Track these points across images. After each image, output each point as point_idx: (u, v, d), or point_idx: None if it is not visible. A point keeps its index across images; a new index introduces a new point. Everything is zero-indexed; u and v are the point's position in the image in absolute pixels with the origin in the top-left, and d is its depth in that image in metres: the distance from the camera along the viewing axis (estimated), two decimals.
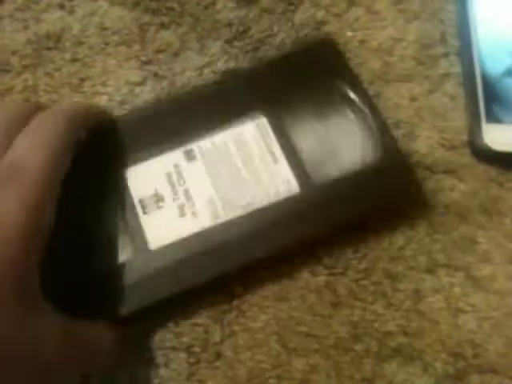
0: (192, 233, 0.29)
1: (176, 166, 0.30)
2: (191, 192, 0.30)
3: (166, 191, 0.30)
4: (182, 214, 0.29)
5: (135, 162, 0.30)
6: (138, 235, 0.29)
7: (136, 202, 0.29)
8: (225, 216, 0.29)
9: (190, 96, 0.32)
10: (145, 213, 0.29)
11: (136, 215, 0.29)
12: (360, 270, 0.30)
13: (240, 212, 0.29)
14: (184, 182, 0.30)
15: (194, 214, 0.29)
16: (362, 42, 0.35)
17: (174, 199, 0.30)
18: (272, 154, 0.30)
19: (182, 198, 0.30)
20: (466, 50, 0.35)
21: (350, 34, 0.35)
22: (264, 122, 0.31)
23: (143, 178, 0.30)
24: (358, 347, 0.29)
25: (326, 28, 0.35)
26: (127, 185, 0.30)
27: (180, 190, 0.30)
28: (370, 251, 0.31)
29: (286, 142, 0.30)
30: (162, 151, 0.30)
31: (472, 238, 0.31)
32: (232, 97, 0.32)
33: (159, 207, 0.29)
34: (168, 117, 0.31)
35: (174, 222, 0.29)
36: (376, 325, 0.30)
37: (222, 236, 0.29)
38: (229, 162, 0.30)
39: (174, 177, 0.30)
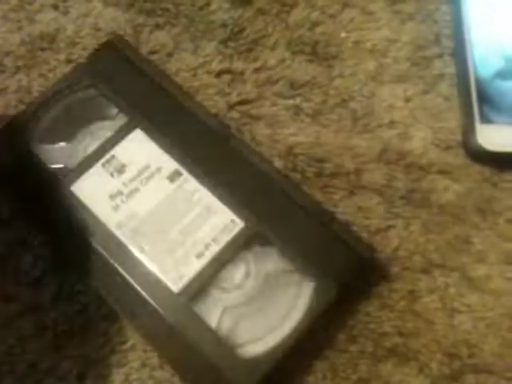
0: None
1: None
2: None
3: None
4: None
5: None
6: None
7: None
8: None
9: None
10: None
11: None
12: None
13: None
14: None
15: None
16: (357, 42, 0.35)
17: None
18: None
19: None
20: (460, 52, 0.35)
21: (344, 34, 0.35)
22: None
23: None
24: (353, 348, 0.29)
25: (320, 29, 0.35)
26: None
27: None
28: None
29: None
30: None
31: (466, 238, 0.31)
32: None
33: None
34: None
35: None
36: (371, 326, 0.29)
37: None
38: None
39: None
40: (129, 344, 0.29)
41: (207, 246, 0.29)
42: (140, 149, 0.31)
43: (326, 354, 0.29)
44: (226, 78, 0.34)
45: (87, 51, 0.34)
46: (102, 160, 0.31)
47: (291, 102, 0.33)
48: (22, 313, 0.29)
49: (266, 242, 0.29)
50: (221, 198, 0.29)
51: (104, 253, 0.29)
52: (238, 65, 0.34)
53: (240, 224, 0.29)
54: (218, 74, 0.34)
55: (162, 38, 0.35)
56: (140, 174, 0.30)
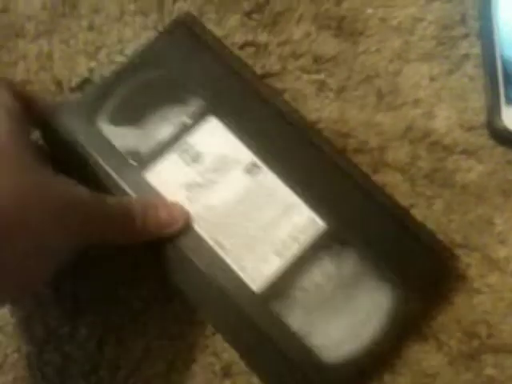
0: None
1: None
2: None
3: None
4: None
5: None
6: None
7: None
8: None
9: None
10: None
11: None
12: None
13: None
14: None
15: None
16: (383, 19, 0.35)
17: None
18: None
19: None
20: (486, 32, 0.34)
21: (370, 11, 0.35)
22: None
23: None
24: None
25: (347, 4, 0.35)
26: None
27: None
28: None
29: None
30: None
31: (489, 218, 0.31)
32: None
33: None
34: None
35: None
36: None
37: None
38: None
39: None
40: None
41: (287, 245, 0.28)
42: (216, 137, 0.29)
43: None
44: (250, 50, 0.34)
45: (109, 19, 0.34)
46: (177, 147, 0.29)
47: (315, 76, 0.33)
48: None
49: (346, 244, 0.28)
50: (300, 196, 0.28)
51: (180, 245, 0.27)
52: (263, 38, 0.34)
53: (320, 224, 0.28)
54: (242, 46, 0.34)
55: (186, 8, 0.34)
56: (217, 164, 0.29)
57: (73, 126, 0.29)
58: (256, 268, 0.27)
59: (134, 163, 0.29)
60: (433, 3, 0.35)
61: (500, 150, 0.32)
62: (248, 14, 0.34)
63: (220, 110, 0.29)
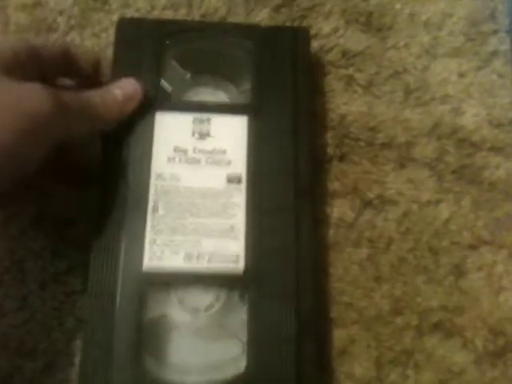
0: None
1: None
2: None
3: None
4: None
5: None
6: None
7: None
8: None
9: None
10: None
11: None
12: (402, 243, 0.30)
13: None
14: None
15: None
16: (412, 15, 0.35)
17: None
18: None
19: None
20: None
21: (399, 6, 0.35)
22: None
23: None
24: (398, 320, 0.29)
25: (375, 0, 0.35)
26: None
27: None
28: (414, 225, 0.30)
29: None
30: None
31: None
32: None
33: None
34: None
35: None
36: (417, 299, 0.29)
37: None
38: None
39: None
40: None
41: (200, 258, 0.27)
42: (232, 133, 0.29)
43: (370, 324, 0.29)
44: None
45: (140, 13, 0.34)
46: (198, 115, 0.29)
47: (344, 71, 0.33)
48: (70, 269, 0.30)
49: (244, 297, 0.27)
50: (249, 232, 0.27)
51: (130, 187, 0.27)
52: None
53: (240, 265, 0.27)
54: None
55: (215, 2, 0.34)
56: (213, 153, 0.28)
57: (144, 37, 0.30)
58: (162, 251, 0.27)
59: (160, 98, 0.29)
60: None
61: None
62: (277, 8, 0.34)
63: (259, 116, 0.29)
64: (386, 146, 0.32)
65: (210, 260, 0.27)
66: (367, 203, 0.31)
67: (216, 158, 0.28)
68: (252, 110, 0.29)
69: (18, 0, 0.34)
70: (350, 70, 0.33)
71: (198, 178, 0.28)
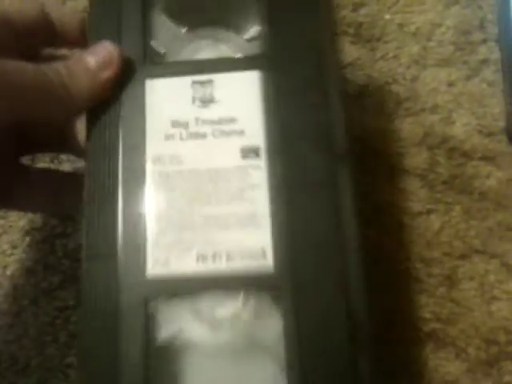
0: None
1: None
2: None
3: None
4: None
5: None
6: None
7: None
8: None
9: None
10: None
11: None
12: (394, 254, 0.30)
13: None
14: None
15: None
16: (401, 25, 0.35)
17: None
18: None
19: None
20: (505, 37, 0.34)
21: (388, 17, 0.35)
22: None
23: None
24: (391, 332, 0.29)
25: (365, 10, 0.35)
26: None
27: None
28: (406, 236, 0.31)
29: None
30: None
31: (508, 225, 0.31)
32: None
33: None
34: None
35: None
36: (409, 310, 0.29)
37: None
38: None
39: None
40: None
41: (216, 256, 0.22)
42: (242, 94, 0.23)
43: None
44: None
45: None
46: (197, 77, 0.24)
47: None
48: (63, 283, 0.30)
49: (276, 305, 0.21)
50: (274, 219, 0.22)
51: (122, 176, 0.22)
52: None
53: (269, 262, 0.21)
54: None
55: None
56: (220, 122, 0.23)
57: None
58: (168, 253, 0.22)
59: (147, 63, 0.24)
60: (451, 8, 0.35)
61: None
62: None
63: (273, 70, 0.23)
64: (377, 156, 0.32)
65: (228, 258, 0.21)
66: (358, 214, 0.31)
67: (225, 128, 0.23)
68: (265, 62, 0.23)
69: None
70: None
71: (204, 157, 0.23)
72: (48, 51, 0.26)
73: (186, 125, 0.23)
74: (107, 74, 0.23)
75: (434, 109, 0.33)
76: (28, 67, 0.22)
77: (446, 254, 0.30)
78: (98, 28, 0.24)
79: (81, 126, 0.25)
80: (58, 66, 0.23)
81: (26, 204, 0.28)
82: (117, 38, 0.24)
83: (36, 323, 0.29)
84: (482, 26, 0.35)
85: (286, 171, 0.22)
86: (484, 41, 0.35)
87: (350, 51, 0.34)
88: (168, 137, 0.23)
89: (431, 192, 0.31)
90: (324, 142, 0.22)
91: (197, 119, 0.23)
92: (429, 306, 0.30)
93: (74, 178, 0.29)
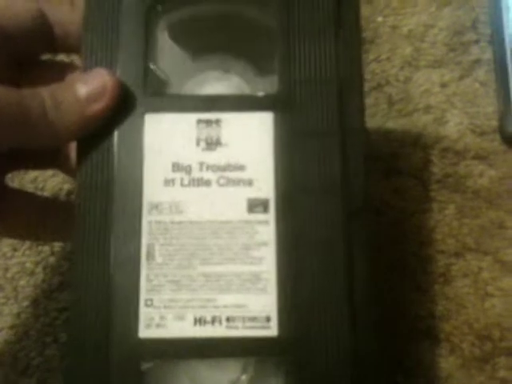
0: None
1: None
2: None
3: None
4: None
5: None
6: None
7: None
8: None
9: None
10: None
11: None
12: (390, 252, 0.31)
13: None
14: None
15: None
16: (393, 27, 0.35)
17: None
18: None
19: None
20: (497, 37, 0.35)
21: (380, 19, 0.35)
22: None
23: None
24: (386, 329, 0.30)
25: None
26: None
27: None
28: (401, 235, 0.31)
29: None
30: None
31: (500, 223, 0.31)
32: None
33: None
34: None
35: None
36: (404, 307, 0.30)
37: None
38: None
39: None
40: None
41: (216, 320, 0.20)
42: (252, 138, 0.21)
43: None
44: None
45: None
46: (203, 115, 0.21)
47: None
48: (63, 284, 0.30)
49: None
50: (280, 279, 0.20)
51: (114, 224, 0.20)
52: None
53: (272, 328, 0.20)
54: None
55: None
56: (227, 169, 0.21)
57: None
58: (162, 315, 0.20)
59: (148, 97, 0.21)
60: (443, 10, 0.36)
61: None
62: None
63: (288, 115, 0.21)
64: (371, 157, 0.32)
65: (229, 323, 0.20)
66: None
67: (232, 176, 0.21)
68: (280, 102, 0.21)
69: None
70: None
71: (207, 208, 0.21)
72: (47, 57, 0.25)
73: (188, 169, 0.21)
74: (98, 106, 0.20)
75: (427, 109, 0.33)
76: (5, 95, 0.20)
77: (440, 251, 0.31)
78: (92, 46, 0.22)
79: (74, 145, 0.23)
80: (44, 94, 0.20)
81: (7, 228, 0.25)
82: (113, 59, 0.21)
83: (36, 324, 0.29)
84: (474, 27, 0.36)
85: (295, 229, 0.20)
86: (476, 41, 0.35)
87: None
88: (168, 182, 0.21)
89: (425, 191, 0.32)
90: (339, 196, 0.20)
91: (201, 164, 0.21)
92: (423, 303, 0.30)
93: (58, 204, 0.28)
